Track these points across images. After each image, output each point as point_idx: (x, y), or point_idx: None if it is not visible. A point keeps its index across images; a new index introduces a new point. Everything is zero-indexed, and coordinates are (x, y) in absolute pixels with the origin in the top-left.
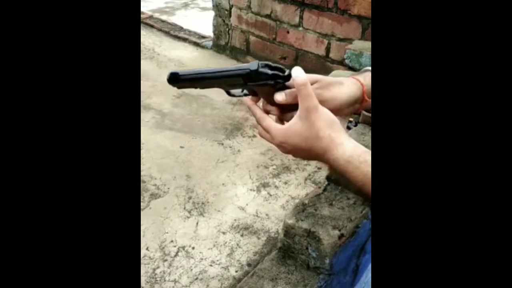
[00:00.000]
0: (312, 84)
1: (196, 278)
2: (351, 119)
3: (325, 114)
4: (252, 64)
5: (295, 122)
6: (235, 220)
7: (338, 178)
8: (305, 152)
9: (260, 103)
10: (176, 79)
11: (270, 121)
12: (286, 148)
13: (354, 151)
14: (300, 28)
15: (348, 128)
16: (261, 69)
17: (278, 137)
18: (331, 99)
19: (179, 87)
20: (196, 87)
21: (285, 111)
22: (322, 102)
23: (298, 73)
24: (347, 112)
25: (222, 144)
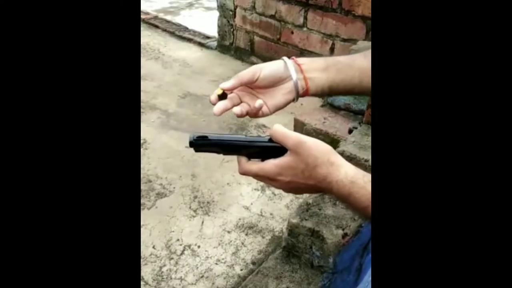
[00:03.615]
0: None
1: (202, 276)
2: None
3: (316, 143)
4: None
5: (287, 158)
6: (240, 219)
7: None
8: (303, 182)
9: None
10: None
11: (255, 163)
12: (283, 181)
13: (357, 172)
14: (305, 29)
15: (351, 130)
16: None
17: (272, 172)
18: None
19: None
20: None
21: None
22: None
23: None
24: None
25: None
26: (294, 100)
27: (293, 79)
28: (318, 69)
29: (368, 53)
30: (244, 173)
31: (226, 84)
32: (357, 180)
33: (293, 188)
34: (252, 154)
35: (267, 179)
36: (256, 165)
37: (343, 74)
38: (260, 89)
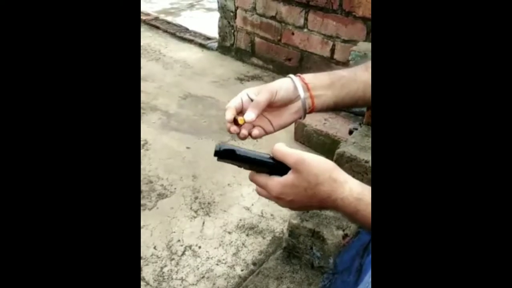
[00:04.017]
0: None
1: (203, 277)
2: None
3: (318, 160)
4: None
5: (289, 176)
6: (240, 220)
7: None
8: (306, 201)
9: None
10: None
11: (264, 176)
12: (285, 199)
13: (363, 188)
14: (305, 30)
15: (351, 132)
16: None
17: (275, 190)
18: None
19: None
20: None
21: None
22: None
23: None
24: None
25: None
26: (301, 118)
27: (302, 100)
28: (323, 87)
29: (369, 64)
30: (253, 181)
31: (250, 117)
32: (364, 197)
33: (298, 207)
34: (272, 172)
35: (271, 197)
36: (264, 179)
37: (347, 89)
38: (270, 109)
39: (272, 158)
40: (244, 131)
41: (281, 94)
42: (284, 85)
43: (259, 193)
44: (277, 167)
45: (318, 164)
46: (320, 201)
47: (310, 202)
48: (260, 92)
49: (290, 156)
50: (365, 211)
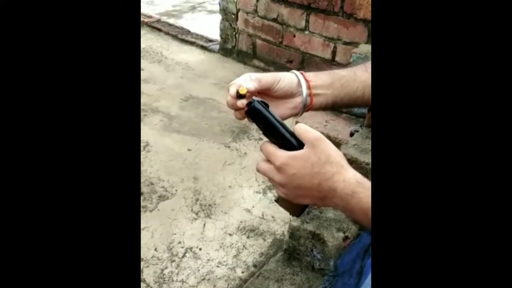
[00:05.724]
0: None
1: (203, 279)
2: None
3: (334, 146)
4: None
5: (301, 150)
6: (241, 222)
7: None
8: (307, 179)
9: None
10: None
11: (275, 147)
12: (287, 172)
13: (365, 178)
14: (306, 32)
15: (352, 134)
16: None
17: (280, 159)
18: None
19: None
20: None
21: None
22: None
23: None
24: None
25: (229, 147)
26: (297, 115)
27: (304, 97)
28: (324, 86)
29: (369, 65)
30: (262, 148)
31: (250, 85)
32: (365, 182)
33: (293, 186)
34: (284, 147)
35: (271, 170)
36: (274, 148)
37: (347, 89)
38: (269, 98)
39: (293, 134)
40: (243, 102)
41: (284, 84)
42: (288, 77)
43: (258, 169)
44: (292, 143)
45: (334, 148)
46: (320, 182)
47: (311, 181)
48: (264, 75)
49: (311, 132)
50: (362, 194)
